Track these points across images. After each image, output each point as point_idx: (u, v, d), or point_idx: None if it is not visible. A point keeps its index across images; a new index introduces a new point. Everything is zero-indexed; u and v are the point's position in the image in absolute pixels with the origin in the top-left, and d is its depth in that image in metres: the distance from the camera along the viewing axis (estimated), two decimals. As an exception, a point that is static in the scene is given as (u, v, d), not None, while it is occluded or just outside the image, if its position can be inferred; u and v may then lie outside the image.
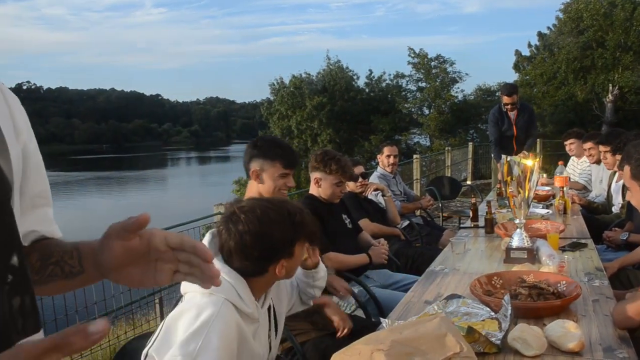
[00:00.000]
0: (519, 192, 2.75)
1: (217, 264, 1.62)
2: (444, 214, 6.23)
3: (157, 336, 1.53)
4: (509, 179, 2.77)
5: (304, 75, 25.97)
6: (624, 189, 3.96)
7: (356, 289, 3.00)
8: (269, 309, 1.79)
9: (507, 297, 1.89)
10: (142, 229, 0.82)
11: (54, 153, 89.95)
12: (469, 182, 11.97)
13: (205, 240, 1.71)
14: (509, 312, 1.82)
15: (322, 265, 2.09)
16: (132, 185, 52.80)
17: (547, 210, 4.08)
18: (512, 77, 23.18)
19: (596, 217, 4.43)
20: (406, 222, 4.72)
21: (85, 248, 0.91)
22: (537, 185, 2.84)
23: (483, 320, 1.89)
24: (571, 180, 5.32)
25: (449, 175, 10.86)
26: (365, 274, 3.27)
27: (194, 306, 1.53)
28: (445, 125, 23.17)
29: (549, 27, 22.63)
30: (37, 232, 0.95)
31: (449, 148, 13.07)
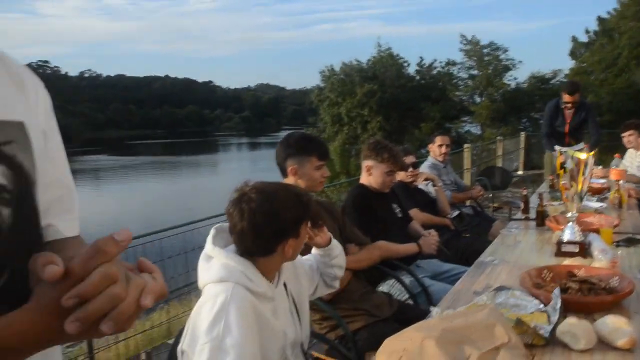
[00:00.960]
0: (572, 185, 2.74)
1: (223, 253, 1.72)
2: (494, 205, 6.18)
3: (187, 333, 1.64)
4: (562, 171, 2.76)
5: (354, 63, 25.93)
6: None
7: (407, 279, 3.06)
8: (286, 290, 1.88)
9: (557, 290, 1.91)
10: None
11: (112, 137, 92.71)
12: (520, 173, 11.76)
13: (210, 236, 1.80)
14: (559, 305, 1.84)
15: (335, 243, 2.15)
16: (185, 170, 53.97)
17: (602, 204, 4.01)
18: (568, 64, 22.51)
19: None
20: (456, 212, 4.72)
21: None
22: (590, 178, 2.81)
23: (532, 313, 1.92)
24: (628, 173, 5.19)
25: (500, 165, 10.70)
26: (416, 263, 3.31)
27: (209, 297, 1.63)
28: (497, 113, 22.70)
29: (609, 12, 21.81)
30: (53, 227, 0.91)
31: (501, 137, 12.84)
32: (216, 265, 1.70)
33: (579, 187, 2.74)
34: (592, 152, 2.80)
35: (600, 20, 21.95)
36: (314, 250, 2.13)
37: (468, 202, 5.37)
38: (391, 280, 3.08)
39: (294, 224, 1.75)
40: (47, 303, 0.64)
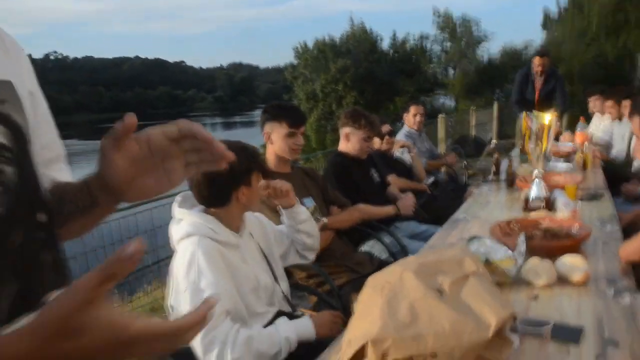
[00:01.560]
0: (537, 145, 2.94)
1: (188, 213, 1.92)
2: (469, 172, 6.41)
3: (171, 288, 1.85)
4: (527, 132, 2.95)
5: (327, 39, 25.94)
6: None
7: (386, 239, 3.24)
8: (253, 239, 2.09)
9: (522, 236, 2.10)
10: (131, 132, 0.80)
11: (81, 122, 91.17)
12: (494, 142, 12.04)
13: (176, 202, 1.99)
14: (523, 249, 2.04)
15: (302, 209, 2.29)
16: (160, 151, 53.40)
17: (569, 164, 4.24)
18: (540, 35, 22.81)
19: (616, 171, 4.57)
20: (432, 179, 4.93)
21: (92, 178, 0.86)
22: (554, 138, 3.01)
23: (501, 260, 2.11)
24: (594, 136, 5.44)
25: (474, 134, 10.98)
26: (394, 224, 3.50)
27: (180, 252, 1.84)
28: (470, 86, 23.01)
29: (580, -18, 22.04)
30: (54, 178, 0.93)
31: (474, 108, 13.11)
32: (184, 224, 1.89)
33: (544, 146, 2.94)
34: (555, 115, 2.99)
35: (571, -9, 22.19)
36: (282, 217, 2.29)
37: (443, 169, 5.58)
38: (372, 241, 3.27)
39: (244, 172, 1.94)
40: (43, 330, 0.55)
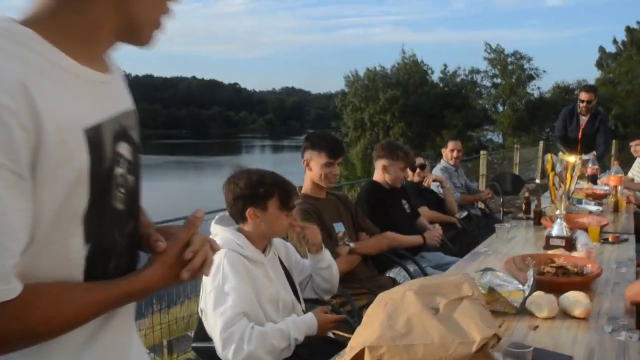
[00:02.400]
0: (560, 186, 3.07)
1: (221, 229, 2.18)
2: (504, 209, 6.48)
3: (202, 294, 2.11)
4: (552, 173, 3.08)
5: (378, 69, 26.27)
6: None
7: (411, 268, 3.40)
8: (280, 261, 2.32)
9: (531, 271, 2.24)
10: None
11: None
12: (537, 181, 11.98)
13: (214, 220, 2.27)
14: (531, 282, 2.18)
15: (326, 254, 2.47)
16: (208, 170, 54.71)
17: (598, 207, 4.31)
18: (594, 74, 22.52)
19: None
20: (465, 213, 5.06)
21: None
22: (577, 180, 3.11)
23: (510, 291, 2.25)
24: (636, 181, 5.46)
25: (517, 172, 10.95)
26: (421, 254, 3.66)
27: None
28: (519, 122, 22.84)
29: (638, 22, 21.76)
30: None
31: (518, 146, 13.06)
32: (217, 238, 2.14)
33: (567, 187, 3.06)
34: (579, 156, 3.11)
35: (629, 30, 21.89)
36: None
37: (481, 205, 5.69)
38: (397, 268, 3.43)
39: (260, 196, 2.15)
40: (169, 260, 1.00)
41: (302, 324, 2.10)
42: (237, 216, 2.22)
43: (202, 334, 2.16)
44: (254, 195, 2.15)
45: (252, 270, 2.11)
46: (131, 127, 1.02)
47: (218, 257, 2.05)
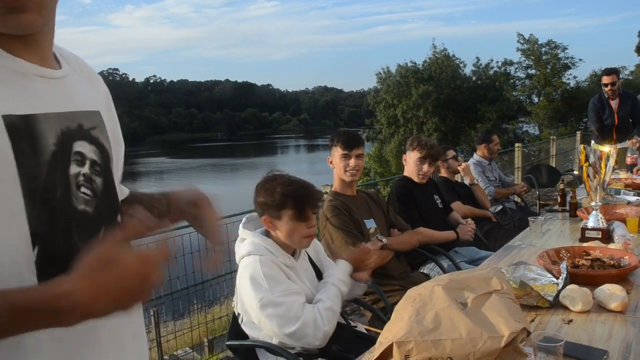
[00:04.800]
0: (595, 177, 3.01)
1: (251, 234, 2.21)
2: (541, 202, 6.37)
3: (237, 299, 2.18)
4: (585, 164, 3.02)
5: (409, 64, 26.08)
6: None
7: (445, 263, 3.39)
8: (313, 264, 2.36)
9: (564, 264, 2.21)
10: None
11: (175, 141, 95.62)
12: (576, 172, 11.73)
13: (241, 223, 2.31)
14: (564, 276, 2.15)
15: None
16: (244, 172, 55.23)
17: (638, 198, 4.20)
18: (634, 60, 21.89)
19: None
20: (499, 207, 4.99)
21: (168, 195, 1.19)
22: (612, 170, 3.05)
23: (544, 285, 2.22)
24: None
25: (554, 164, 10.77)
26: (454, 249, 3.64)
27: (245, 267, 2.12)
28: (555, 113, 22.35)
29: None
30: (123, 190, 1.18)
31: (554, 137, 12.81)
32: (246, 243, 2.18)
33: (602, 178, 3.00)
34: (614, 146, 3.05)
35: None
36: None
37: (516, 198, 5.61)
38: (431, 264, 3.42)
39: (274, 206, 2.16)
40: (90, 262, 0.79)
41: (343, 275, 2.25)
42: (258, 220, 2.25)
43: (235, 332, 2.21)
44: (266, 206, 2.17)
45: (285, 270, 2.14)
46: (95, 128, 0.99)
47: (251, 265, 2.09)
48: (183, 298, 5.26)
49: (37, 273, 0.84)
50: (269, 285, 2.03)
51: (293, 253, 2.25)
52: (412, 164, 3.70)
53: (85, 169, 0.94)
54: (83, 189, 0.93)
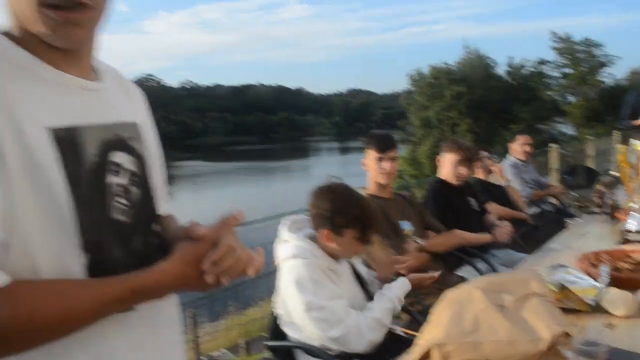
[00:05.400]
0: (636, 177, 2.96)
1: (295, 236, 2.21)
2: (579, 203, 6.25)
3: (279, 300, 2.20)
4: (624, 164, 2.98)
5: (442, 65, 25.87)
6: None
7: (482, 266, 3.36)
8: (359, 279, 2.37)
9: (605, 267, 2.19)
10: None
11: (209, 144, 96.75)
12: (615, 173, 11.46)
13: (285, 225, 2.30)
14: (606, 279, 2.12)
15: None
16: (278, 175, 55.57)
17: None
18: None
19: None
20: (536, 209, 4.93)
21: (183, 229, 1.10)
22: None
23: (584, 288, 2.19)
24: None
25: (592, 164, 10.55)
26: (491, 251, 3.61)
27: (287, 271, 2.14)
28: (592, 112, 21.84)
29: None
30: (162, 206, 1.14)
31: (591, 137, 12.54)
32: (290, 246, 2.19)
33: (642, 179, 2.95)
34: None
35: None
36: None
37: (554, 200, 5.53)
38: (467, 266, 3.40)
39: (336, 223, 2.16)
40: (189, 257, 0.94)
41: (402, 292, 2.28)
42: (315, 228, 2.24)
43: (274, 333, 2.24)
44: (333, 220, 2.16)
45: (329, 273, 2.16)
46: (132, 139, 1.03)
47: (296, 269, 2.11)
48: (219, 300, 5.34)
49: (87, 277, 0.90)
50: (314, 289, 2.05)
51: (336, 257, 2.27)
52: (449, 166, 3.69)
53: (122, 179, 0.98)
54: (119, 199, 0.97)
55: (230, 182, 47.84)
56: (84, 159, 0.91)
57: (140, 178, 1.02)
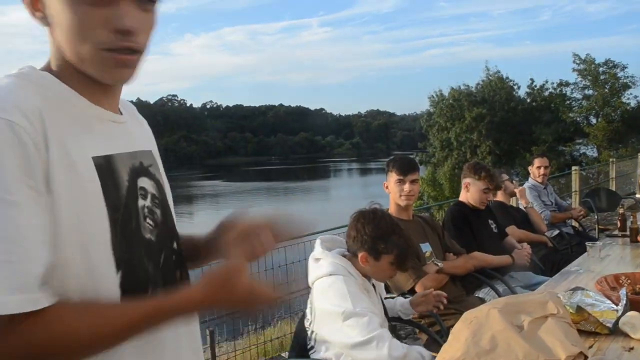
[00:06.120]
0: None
1: (330, 255, 2.27)
2: (600, 226, 6.22)
3: (313, 316, 2.22)
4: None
5: (462, 87, 25.91)
6: None
7: (500, 288, 3.38)
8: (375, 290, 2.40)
9: (623, 290, 2.20)
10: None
11: (230, 164, 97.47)
12: (638, 195, 11.34)
13: (319, 243, 2.37)
14: (625, 302, 2.13)
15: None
16: (297, 195, 55.68)
17: (703, 223, 4.07)
18: None
19: None
20: (556, 232, 4.93)
21: (206, 240, 1.24)
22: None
23: (602, 311, 2.21)
24: None
25: (614, 187, 10.45)
26: (510, 274, 3.63)
27: (325, 287, 2.19)
28: (615, 134, 21.65)
29: None
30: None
31: (613, 159, 12.42)
32: (325, 264, 2.24)
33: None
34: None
35: None
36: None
37: (574, 223, 5.52)
38: (486, 288, 3.42)
39: (376, 248, 2.23)
40: (216, 280, 0.99)
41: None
42: (351, 248, 2.31)
43: (297, 349, 2.29)
44: (373, 245, 2.24)
45: (362, 289, 2.22)
46: (151, 165, 1.13)
47: (337, 284, 2.17)
48: (238, 319, 5.37)
49: (120, 293, 0.97)
50: (353, 301, 2.10)
51: (368, 278, 2.33)
52: (475, 192, 3.73)
53: (148, 202, 1.07)
54: (148, 220, 1.06)
55: (250, 202, 47.93)
56: (120, 185, 1.00)
57: (161, 200, 1.11)
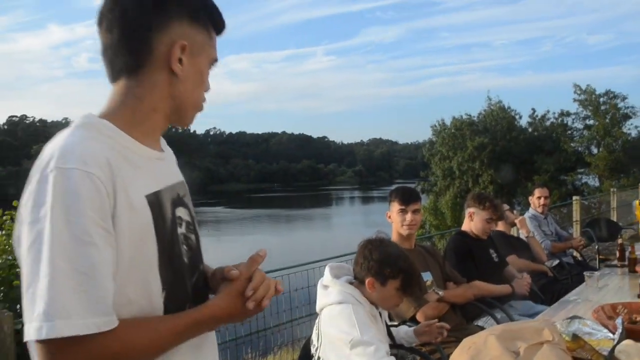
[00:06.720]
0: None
1: (339, 283, 2.32)
2: (600, 256, 6.26)
3: (320, 342, 2.26)
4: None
5: (464, 117, 26.12)
6: None
7: (500, 316, 3.43)
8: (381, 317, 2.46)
9: (619, 319, 2.25)
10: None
11: (232, 191, 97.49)
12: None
13: (328, 271, 2.41)
14: (621, 331, 2.18)
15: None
16: (299, 223, 55.60)
17: (701, 254, 4.12)
18: None
19: None
20: (556, 261, 4.97)
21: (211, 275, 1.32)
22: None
23: (599, 339, 2.26)
24: None
25: (614, 217, 10.50)
26: (509, 303, 3.68)
27: (338, 314, 2.23)
28: (616, 164, 21.75)
29: None
30: None
31: (614, 189, 12.49)
32: (334, 291, 2.30)
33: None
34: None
35: None
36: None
37: (575, 253, 5.56)
38: (486, 317, 3.46)
39: (382, 273, 2.29)
40: (233, 292, 1.15)
41: None
42: (359, 275, 2.36)
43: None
44: (380, 270, 2.30)
45: (372, 320, 2.27)
46: (185, 195, 1.27)
47: (346, 312, 2.21)
48: (239, 346, 5.40)
49: (164, 310, 1.11)
50: (361, 329, 2.14)
51: (375, 305, 2.38)
52: (479, 222, 3.81)
53: (184, 229, 1.21)
54: (184, 245, 1.20)
55: (253, 229, 47.93)
56: (166, 216, 1.15)
57: (193, 226, 1.26)
